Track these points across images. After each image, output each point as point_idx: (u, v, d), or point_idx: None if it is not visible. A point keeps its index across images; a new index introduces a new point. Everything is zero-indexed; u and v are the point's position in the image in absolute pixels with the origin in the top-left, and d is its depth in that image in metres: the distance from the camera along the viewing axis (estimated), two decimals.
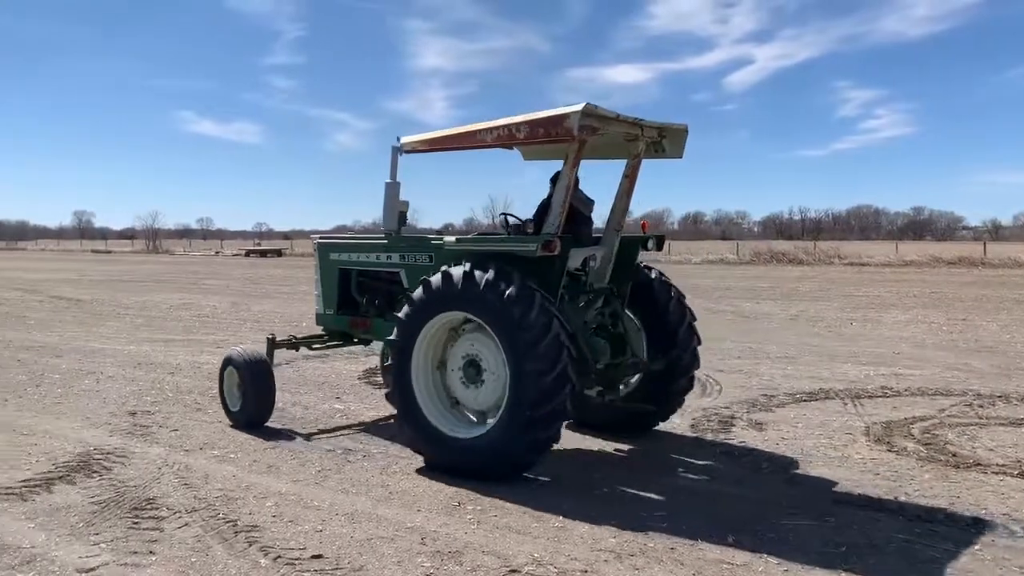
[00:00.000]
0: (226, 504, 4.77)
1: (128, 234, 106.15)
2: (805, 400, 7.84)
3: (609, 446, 6.12)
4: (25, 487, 5.11)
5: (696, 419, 6.99)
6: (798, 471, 5.45)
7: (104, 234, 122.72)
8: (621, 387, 6.29)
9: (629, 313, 6.34)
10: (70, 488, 5.10)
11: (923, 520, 4.44)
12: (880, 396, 7.99)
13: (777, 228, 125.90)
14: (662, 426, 6.69)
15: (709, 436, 6.42)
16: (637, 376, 6.31)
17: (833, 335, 13.22)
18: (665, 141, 6.37)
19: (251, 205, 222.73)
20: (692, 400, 7.75)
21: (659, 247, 6.60)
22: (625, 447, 6.07)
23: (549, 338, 4.92)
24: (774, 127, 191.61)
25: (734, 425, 6.79)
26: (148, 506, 4.73)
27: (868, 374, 9.29)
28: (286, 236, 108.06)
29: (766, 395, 8.06)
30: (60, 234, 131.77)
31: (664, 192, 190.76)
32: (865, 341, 12.38)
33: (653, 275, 6.53)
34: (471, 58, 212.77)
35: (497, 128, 5.71)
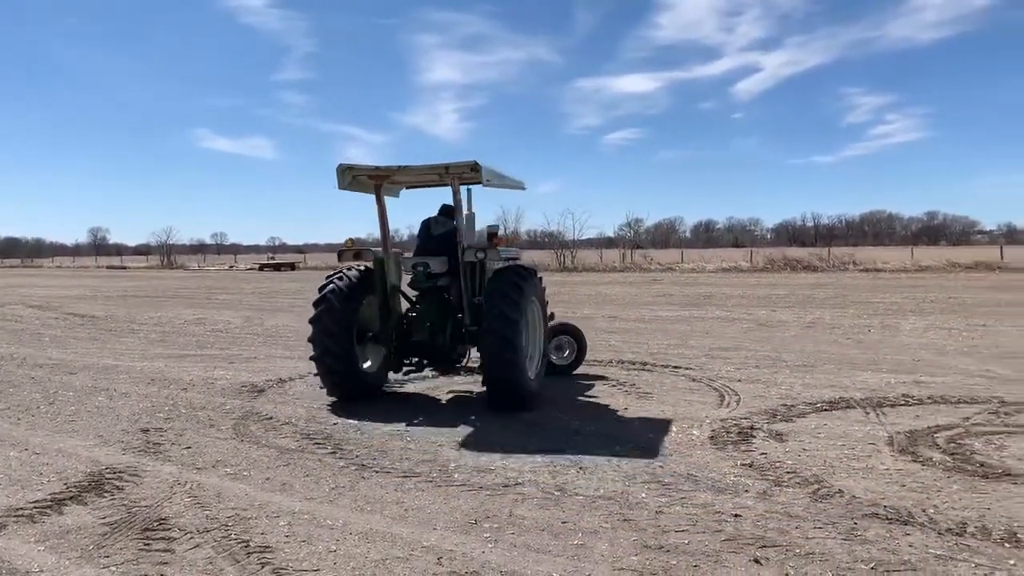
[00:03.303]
0: (238, 524, 4.69)
1: (143, 250, 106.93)
2: (825, 409, 7.70)
3: (627, 459, 6.00)
4: (36, 508, 5.04)
5: (715, 430, 6.86)
6: (822, 483, 5.31)
7: (119, 250, 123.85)
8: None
9: None
10: (81, 509, 5.03)
11: (954, 534, 4.30)
12: (902, 404, 7.83)
13: (790, 235, 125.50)
14: (681, 438, 6.59)
15: (729, 448, 6.29)
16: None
17: (851, 342, 13.04)
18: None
19: (265, 220, 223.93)
20: (711, 411, 7.66)
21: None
22: (643, 461, 5.95)
23: None
24: (784, 134, 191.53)
25: (754, 436, 6.66)
26: (159, 527, 4.66)
27: (889, 382, 9.13)
28: (300, 250, 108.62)
29: (785, 405, 7.92)
30: (76, 251, 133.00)
31: (676, 201, 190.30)
32: (884, 348, 12.21)
33: None
34: (481, 71, 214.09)
35: None
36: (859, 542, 4.23)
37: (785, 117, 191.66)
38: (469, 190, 9.00)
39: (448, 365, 8.81)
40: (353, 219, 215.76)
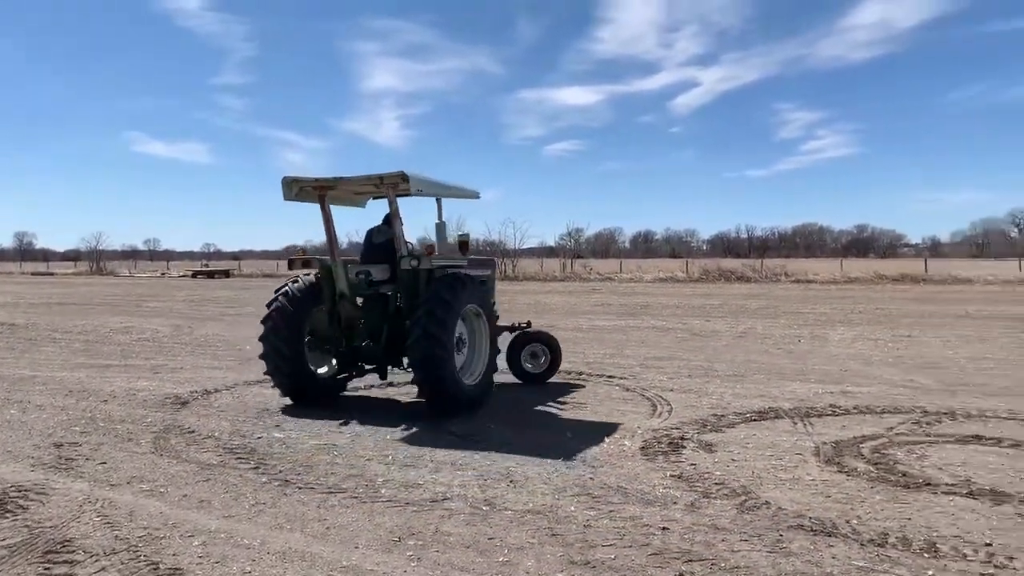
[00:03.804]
0: (149, 544, 4.48)
1: (72, 256, 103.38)
2: (755, 420, 7.77)
3: (558, 471, 5.93)
4: None
5: (647, 441, 6.86)
6: (749, 494, 5.33)
7: (46, 256, 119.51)
8: None
9: None
10: None
11: (876, 545, 4.34)
12: (829, 414, 7.96)
13: (725, 246, 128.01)
14: (613, 449, 6.57)
15: (660, 459, 6.28)
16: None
17: (781, 352, 13.27)
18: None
19: (200, 226, 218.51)
20: (643, 421, 7.66)
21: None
22: (574, 473, 5.90)
23: None
24: (720, 148, 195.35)
25: (684, 447, 6.67)
26: (63, 549, 4.41)
27: (816, 392, 9.28)
28: (235, 257, 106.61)
29: (716, 414, 7.98)
30: None
31: (616, 211, 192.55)
32: (813, 358, 12.44)
33: None
34: (423, 79, 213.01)
35: None
36: (784, 554, 4.24)
37: (721, 131, 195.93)
38: (438, 200, 9.43)
39: (384, 371, 8.96)
40: (291, 226, 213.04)
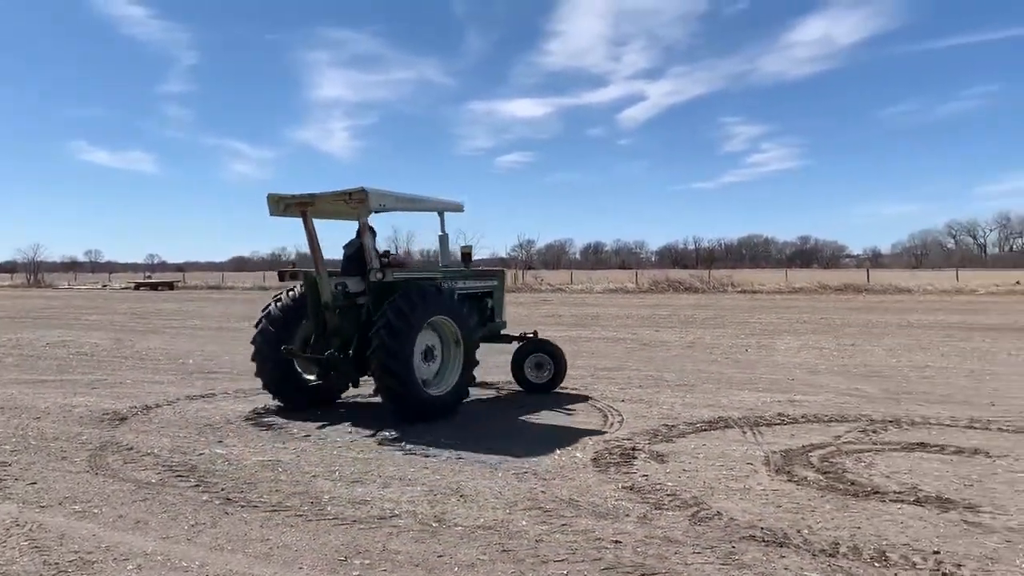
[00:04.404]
0: (80, 569, 4.26)
1: (7, 267, 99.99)
2: (705, 429, 7.78)
3: (509, 485, 5.84)
4: None
5: (598, 452, 6.80)
6: (701, 506, 5.29)
7: None
8: None
9: None
10: None
11: (828, 555, 4.33)
12: (778, 423, 8.01)
13: (673, 258, 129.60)
14: (564, 461, 6.50)
15: (611, 470, 6.23)
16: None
17: (729, 362, 13.38)
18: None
19: (144, 236, 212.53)
20: (594, 432, 7.61)
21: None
22: (525, 486, 5.81)
23: None
24: (667, 160, 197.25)
25: (636, 458, 6.63)
26: None
27: (765, 401, 9.35)
28: (180, 268, 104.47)
29: (667, 425, 7.97)
30: None
31: (566, 223, 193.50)
32: (761, 367, 12.57)
33: None
34: (373, 89, 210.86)
35: None
36: (737, 567, 4.20)
37: (669, 144, 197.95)
38: (441, 214, 9.78)
39: (355, 380, 9.11)
40: (238, 238, 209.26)
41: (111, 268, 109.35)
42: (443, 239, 9.85)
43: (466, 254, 10.05)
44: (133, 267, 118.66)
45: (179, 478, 6.15)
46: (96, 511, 5.34)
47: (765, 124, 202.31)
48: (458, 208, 10.04)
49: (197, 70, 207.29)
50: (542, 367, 10.25)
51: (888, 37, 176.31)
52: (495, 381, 11.03)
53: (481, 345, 9.41)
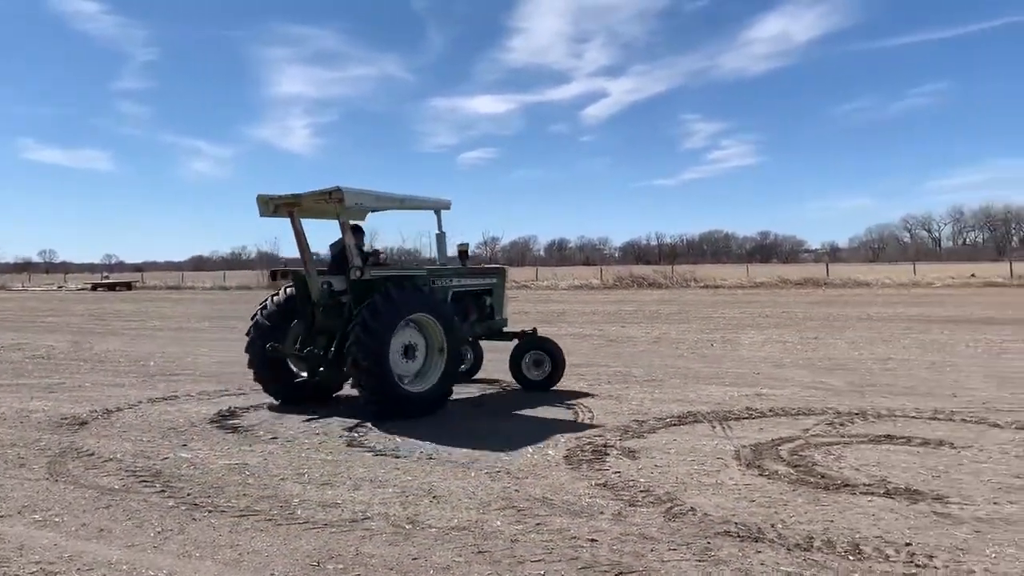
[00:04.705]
0: None
1: None
2: (675, 424, 7.80)
3: (481, 484, 5.79)
4: None
5: (570, 449, 6.78)
6: (675, 501, 5.29)
7: None
8: None
9: None
10: None
11: (803, 549, 4.34)
12: (746, 417, 8.06)
13: (636, 254, 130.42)
14: (536, 459, 6.47)
15: (584, 467, 6.21)
16: None
17: (696, 356, 13.47)
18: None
19: (100, 236, 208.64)
20: (565, 429, 7.59)
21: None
22: (498, 485, 5.77)
23: None
24: (629, 157, 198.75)
25: (608, 454, 6.62)
26: None
27: (732, 395, 9.42)
28: (138, 268, 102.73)
29: (637, 420, 7.98)
30: None
31: (531, 220, 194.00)
32: (726, 362, 12.67)
33: None
34: (333, 86, 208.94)
35: None
36: (713, 563, 4.20)
37: (630, 141, 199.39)
38: (438, 212, 9.89)
39: (336, 377, 9.24)
40: (198, 237, 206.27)
41: (67, 269, 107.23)
42: (440, 237, 9.98)
43: (463, 252, 10.22)
44: (90, 267, 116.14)
45: (143, 484, 6.00)
46: (57, 520, 5.19)
47: (724, 121, 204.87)
48: (445, 206, 10.02)
49: (154, 66, 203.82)
50: (540, 364, 10.25)
51: (843, 35, 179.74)
52: (480, 378, 11.06)
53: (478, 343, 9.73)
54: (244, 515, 5.18)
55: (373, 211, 9.76)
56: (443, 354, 8.83)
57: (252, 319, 9.52)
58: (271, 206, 9.14)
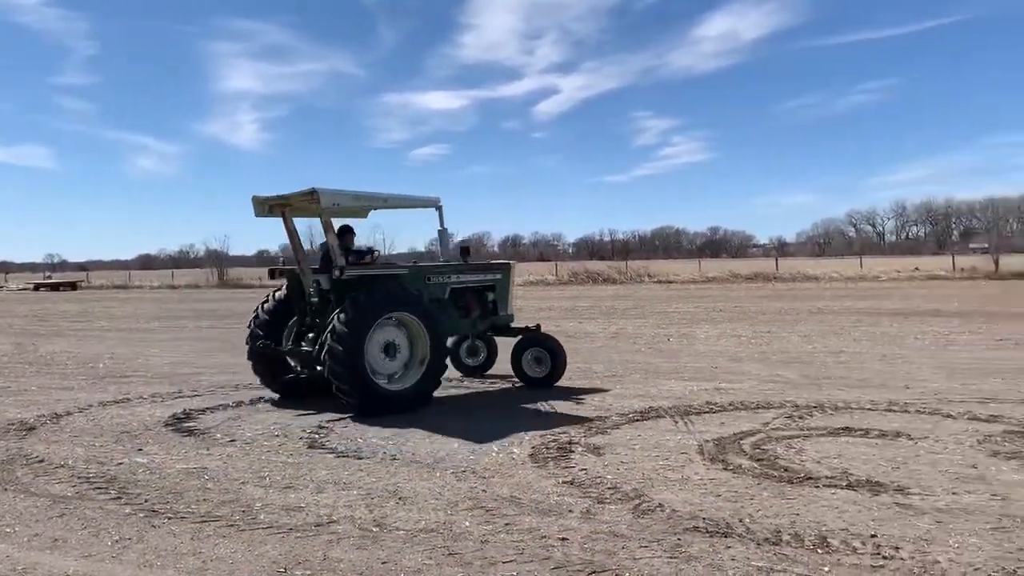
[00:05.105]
0: None
1: None
2: (637, 420, 7.83)
3: (448, 484, 5.74)
4: None
5: (535, 447, 6.76)
6: (643, 497, 5.30)
7: None
8: None
9: None
10: None
11: (772, 543, 4.37)
12: (707, 412, 8.12)
13: (590, 249, 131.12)
14: (502, 458, 6.43)
15: (550, 465, 6.19)
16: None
17: (654, 351, 13.57)
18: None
19: (42, 235, 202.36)
20: (530, 427, 7.56)
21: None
22: (465, 485, 5.72)
23: None
24: (581, 154, 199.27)
25: (573, 452, 6.61)
26: None
27: (692, 389, 9.50)
28: (83, 267, 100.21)
29: (600, 416, 7.99)
30: None
31: (484, 216, 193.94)
32: (684, 356, 12.78)
33: None
34: (282, 81, 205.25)
35: None
36: (685, 559, 4.20)
37: (582, 137, 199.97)
38: (439, 208, 9.80)
39: (316, 374, 9.02)
40: (145, 235, 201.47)
41: (7, 268, 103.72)
42: (442, 233, 9.99)
43: (464, 249, 10.49)
44: (32, 267, 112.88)
45: (98, 490, 5.82)
46: (8, 530, 4.99)
47: (675, 118, 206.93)
48: (434, 204, 9.90)
49: (97, 61, 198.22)
50: (541, 361, 10.26)
51: (790, 33, 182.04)
52: (492, 374, 11.21)
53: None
54: (205, 521, 5.05)
55: (357, 211, 9.85)
56: (426, 352, 8.85)
57: (253, 314, 9.74)
58: (265, 207, 9.32)
